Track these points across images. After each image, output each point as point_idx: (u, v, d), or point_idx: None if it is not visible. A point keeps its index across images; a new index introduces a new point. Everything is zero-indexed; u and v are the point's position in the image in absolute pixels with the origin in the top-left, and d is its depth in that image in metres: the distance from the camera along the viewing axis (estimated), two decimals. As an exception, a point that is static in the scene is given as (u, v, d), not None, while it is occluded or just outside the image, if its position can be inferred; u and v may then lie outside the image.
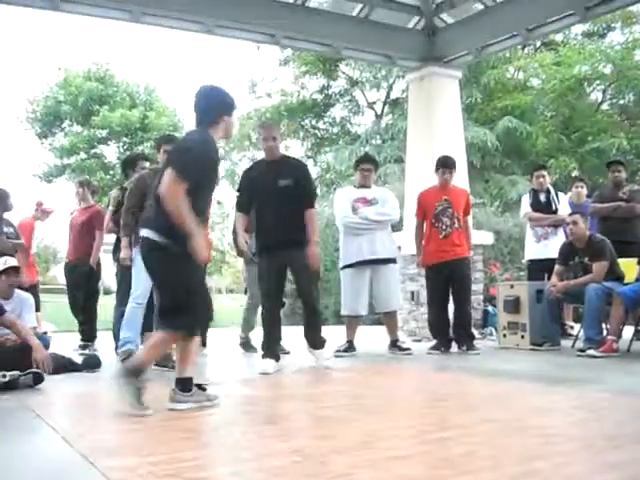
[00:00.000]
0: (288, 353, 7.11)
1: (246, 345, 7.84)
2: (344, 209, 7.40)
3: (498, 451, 2.88)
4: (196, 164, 3.97)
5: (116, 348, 6.63)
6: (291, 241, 5.87)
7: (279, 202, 5.88)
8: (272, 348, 6.10)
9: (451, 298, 7.59)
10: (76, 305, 8.16)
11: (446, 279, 7.45)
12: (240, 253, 7.21)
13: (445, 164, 7.58)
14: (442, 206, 7.45)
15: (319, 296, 6.45)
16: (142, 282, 6.05)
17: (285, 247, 5.86)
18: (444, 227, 7.40)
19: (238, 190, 6.37)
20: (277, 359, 6.07)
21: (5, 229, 7.56)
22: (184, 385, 4.10)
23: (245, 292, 8.11)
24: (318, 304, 6.32)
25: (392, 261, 7.45)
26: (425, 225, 7.61)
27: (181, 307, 4.01)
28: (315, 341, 6.25)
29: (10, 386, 4.90)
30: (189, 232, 3.84)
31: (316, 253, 5.97)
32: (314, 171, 24.79)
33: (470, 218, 7.97)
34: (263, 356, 6.02)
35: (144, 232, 4.08)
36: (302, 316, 6.49)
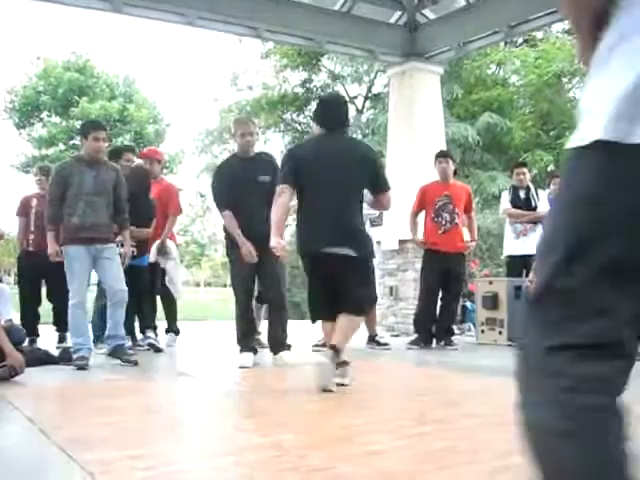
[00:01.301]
0: (267, 347, 7.09)
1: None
2: None
3: (478, 446, 2.89)
4: None
5: (94, 340, 6.57)
6: (266, 236, 5.84)
7: (257, 198, 5.82)
8: (249, 341, 6.08)
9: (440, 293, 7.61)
10: (38, 297, 7.76)
11: (442, 273, 7.46)
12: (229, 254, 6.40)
13: (440, 153, 7.72)
14: (442, 201, 7.46)
15: (286, 292, 6.39)
16: (77, 288, 5.87)
17: (261, 242, 5.82)
18: (444, 222, 7.42)
19: (215, 187, 6.22)
20: (255, 352, 6.05)
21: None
22: None
23: None
24: (285, 301, 6.27)
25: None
26: (425, 219, 7.62)
27: None
28: (279, 341, 6.07)
29: (-14, 379, 4.86)
30: None
31: (282, 244, 5.87)
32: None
33: (474, 214, 7.99)
34: (241, 350, 5.99)
35: None
36: (267, 313, 6.43)
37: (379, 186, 4.95)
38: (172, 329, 7.94)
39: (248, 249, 5.86)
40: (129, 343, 6.74)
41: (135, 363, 5.98)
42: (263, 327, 7.27)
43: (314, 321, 4.93)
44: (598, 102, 1.08)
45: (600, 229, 1.07)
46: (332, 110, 5.01)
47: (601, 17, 1.19)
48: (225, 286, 34.45)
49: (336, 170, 4.68)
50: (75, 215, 5.85)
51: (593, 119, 1.09)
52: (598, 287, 1.09)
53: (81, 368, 5.70)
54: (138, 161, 7.65)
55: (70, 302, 5.88)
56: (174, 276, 7.53)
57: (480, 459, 2.66)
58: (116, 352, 6.08)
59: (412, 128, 10.03)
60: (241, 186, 5.91)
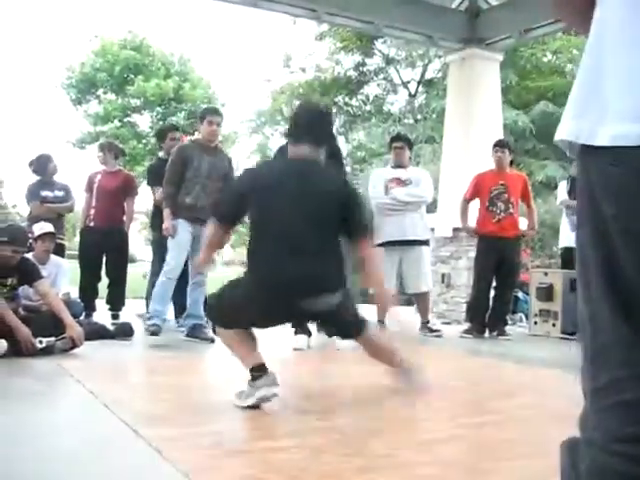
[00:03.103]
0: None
1: None
2: (377, 189, 7.40)
3: (537, 439, 2.86)
4: None
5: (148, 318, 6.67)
6: None
7: None
8: (304, 323, 6.07)
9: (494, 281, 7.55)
10: (98, 272, 7.69)
11: (496, 261, 7.39)
12: None
13: (498, 143, 7.63)
14: (498, 190, 7.39)
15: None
16: (176, 255, 6.11)
17: None
18: (498, 212, 7.35)
19: None
20: (309, 335, 6.05)
21: (46, 193, 7.55)
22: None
23: None
24: None
25: (422, 243, 7.40)
26: (479, 207, 7.57)
27: None
28: None
29: (46, 351, 4.96)
30: None
31: None
32: (345, 148, 24.68)
33: (533, 203, 7.90)
34: (295, 332, 6.01)
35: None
36: None
37: None
38: None
39: None
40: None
41: (212, 340, 6.05)
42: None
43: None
44: None
45: None
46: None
47: None
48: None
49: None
50: (190, 196, 6.15)
51: None
52: None
53: (154, 334, 5.89)
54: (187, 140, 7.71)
55: (165, 272, 6.12)
56: None
57: (541, 452, 2.63)
58: (194, 331, 6.23)
59: (470, 116, 9.91)
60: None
